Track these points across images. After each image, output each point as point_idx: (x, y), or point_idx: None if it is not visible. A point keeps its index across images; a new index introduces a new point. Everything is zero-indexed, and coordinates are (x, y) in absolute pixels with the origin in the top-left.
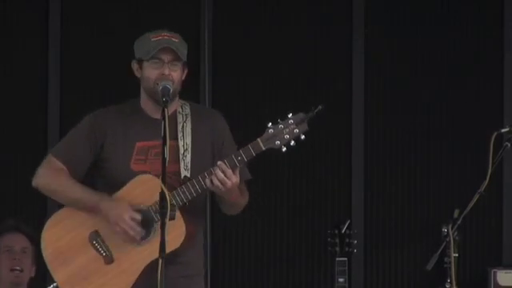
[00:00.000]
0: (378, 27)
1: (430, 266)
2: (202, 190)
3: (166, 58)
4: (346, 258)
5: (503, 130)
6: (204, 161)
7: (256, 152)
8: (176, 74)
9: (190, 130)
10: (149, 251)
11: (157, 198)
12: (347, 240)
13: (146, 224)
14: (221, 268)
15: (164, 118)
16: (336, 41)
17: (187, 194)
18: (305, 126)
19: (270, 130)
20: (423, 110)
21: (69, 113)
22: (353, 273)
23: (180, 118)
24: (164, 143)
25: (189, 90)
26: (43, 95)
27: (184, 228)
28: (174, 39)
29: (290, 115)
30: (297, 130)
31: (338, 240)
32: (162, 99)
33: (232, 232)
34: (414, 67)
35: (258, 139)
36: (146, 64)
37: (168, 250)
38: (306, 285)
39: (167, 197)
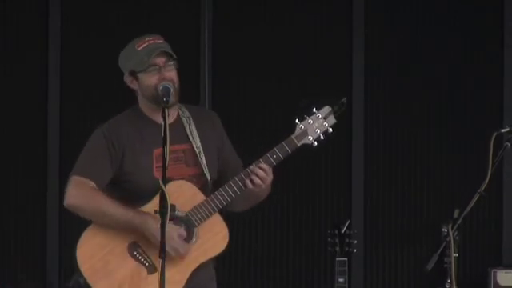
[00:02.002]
0: (377, 27)
1: (430, 266)
2: (241, 191)
3: (161, 61)
4: (345, 258)
5: (503, 130)
6: (215, 161)
7: (291, 149)
8: (173, 74)
9: (196, 133)
10: (193, 256)
11: (195, 201)
12: (347, 240)
13: (187, 230)
14: (220, 268)
15: (164, 118)
16: (336, 41)
17: (226, 196)
18: (333, 119)
19: (301, 126)
20: (423, 109)
21: (69, 113)
22: (353, 273)
23: (185, 121)
24: (164, 144)
25: (189, 90)
26: (43, 95)
27: (226, 230)
28: (158, 41)
29: (314, 109)
30: (326, 124)
31: (337, 240)
32: (162, 99)
33: (231, 232)
34: (414, 67)
35: (292, 136)
36: (141, 74)
37: (212, 253)
38: (306, 285)
39: (167, 197)
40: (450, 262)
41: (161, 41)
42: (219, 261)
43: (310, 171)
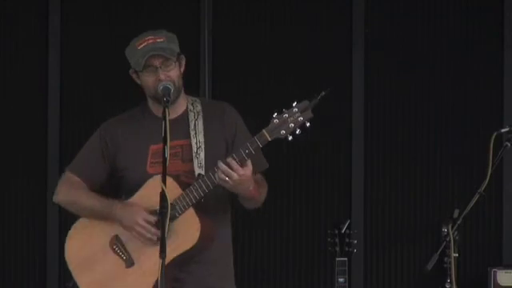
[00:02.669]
0: (378, 27)
1: (430, 266)
2: (214, 186)
3: (157, 62)
4: (346, 258)
5: (503, 130)
6: (218, 157)
7: (262, 143)
8: (173, 73)
9: (202, 128)
10: (168, 250)
11: (173, 196)
12: (347, 240)
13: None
14: None
15: (164, 118)
16: (336, 41)
17: (199, 191)
18: (309, 114)
19: (275, 121)
20: (423, 110)
21: (69, 113)
22: (353, 273)
23: (191, 116)
24: (164, 143)
25: (189, 90)
26: (43, 95)
27: (199, 225)
28: (158, 40)
29: (295, 104)
30: (301, 118)
31: (337, 240)
32: (162, 99)
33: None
34: (413, 67)
35: (264, 130)
36: (140, 74)
37: (184, 248)
38: (306, 285)
39: (167, 197)
40: (450, 262)
41: (161, 39)
42: None
43: (310, 171)
